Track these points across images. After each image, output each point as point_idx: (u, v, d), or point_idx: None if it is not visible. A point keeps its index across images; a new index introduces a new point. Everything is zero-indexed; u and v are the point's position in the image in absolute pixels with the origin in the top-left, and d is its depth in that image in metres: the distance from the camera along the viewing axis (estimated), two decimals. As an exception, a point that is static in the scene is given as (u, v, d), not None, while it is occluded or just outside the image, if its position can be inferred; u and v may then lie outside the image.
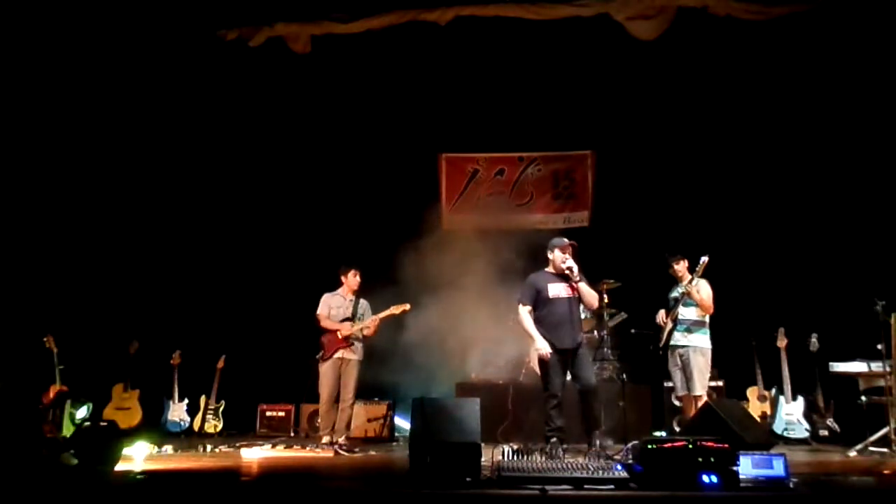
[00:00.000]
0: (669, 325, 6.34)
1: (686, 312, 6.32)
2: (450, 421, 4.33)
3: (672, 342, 6.35)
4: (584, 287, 5.60)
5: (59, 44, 7.41)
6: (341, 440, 6.40)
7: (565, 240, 5.69)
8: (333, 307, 6.65)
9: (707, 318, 6.33)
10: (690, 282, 6.22)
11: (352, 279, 6.69)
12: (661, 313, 6.50)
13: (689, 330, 6.30)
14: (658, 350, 6.45)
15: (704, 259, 6.10)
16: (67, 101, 7.65)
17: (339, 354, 6.48)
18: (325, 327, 6.55)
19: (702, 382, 6.19)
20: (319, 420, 6.57)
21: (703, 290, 6.27)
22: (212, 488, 4.31)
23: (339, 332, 6.49)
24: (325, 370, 6.50)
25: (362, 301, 6.71)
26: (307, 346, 6.72)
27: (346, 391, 6.48)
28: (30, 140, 7.49)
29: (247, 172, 8.69)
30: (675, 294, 6.46)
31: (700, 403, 5.94)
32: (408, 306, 6.61)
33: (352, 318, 6.57)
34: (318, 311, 6.64)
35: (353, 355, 6.54)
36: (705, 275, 6.22)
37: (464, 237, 8.42)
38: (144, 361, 8.17)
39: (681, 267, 6.46)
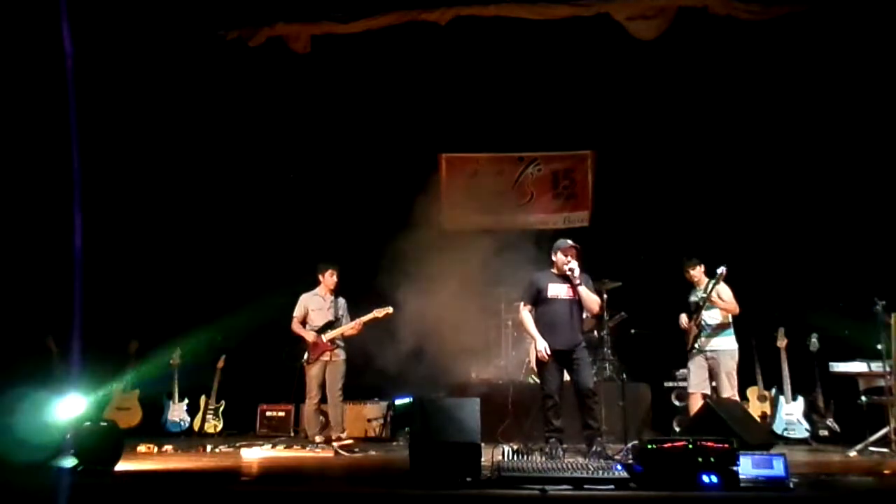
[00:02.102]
0: (695, 330, 6.38)
1: (709, 316, 6.37)
2: (450, 421, 4.33)
3: (699, 346, 6.38)
4: (584, 291, 5.59)
5: (59, 44, 7.40)
6: (343, 435, 6.46)
7: (569, 242, 5.69)
8: (314, 309, 6.68)
9: (730, 319, 6.38)
10: (710, 290, 6.23)
11: (328, 279, 6.72)
12: (683, 317, 6.53)
13: (715, 334, 6.34)
14: (688, 352, 6.48)
15: (722, 270, 6.12)
16: (68, 100, 7.64)
17: (324, 357, 6.54)
18: (295, 332, 6.61)
19: (732, 384, 6.25)
20: (306, 423, 6.60)
21: (723, 293, 6.31)
22: (212, 488, 4.31)
23: (322, 336, 6.54)
24: (312, 372, 6.56)
25: (340, 300, 6.74)
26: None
27: (333, 390, 6.54)
28: (30, 140, 7.48)
29: (247, 173, 8.69)
30: (695, 298, 6.49)
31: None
32: (390, 310, 6.63)
33: (334, 321, 6.59)
34: (294, 314, 6.69)
35: (337, 357, 6.59)
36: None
37: (464, 237, 8.42)
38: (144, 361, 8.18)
39: (697, 272, 6.53)
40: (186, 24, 7.77)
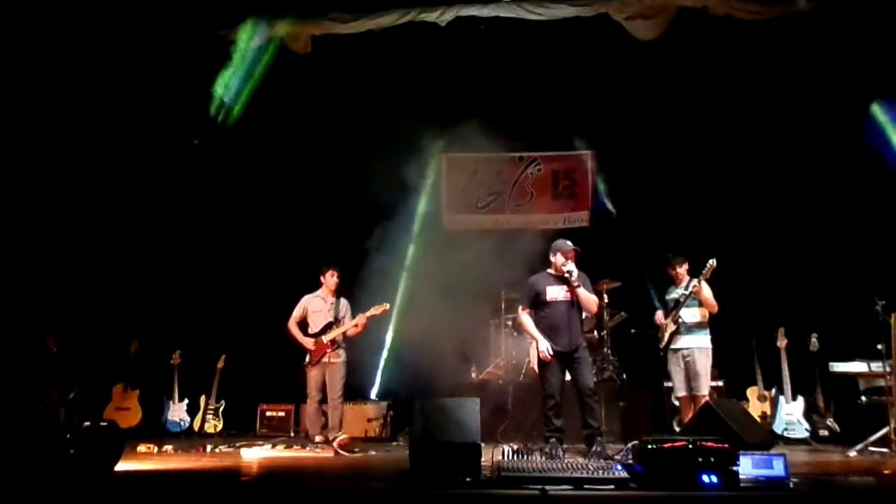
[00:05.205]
0: (672, 327, 6.35)
1: (688, 314, 6.34)
2: (450, 421, 4.33)
3: (674, 345, 6.37)
4: (582, 292, 5.61)
5: (60, 44, 7.40)
6: (339, 437, 6.43)
7: (569, 244, 5.69)
8: (314, 310, 6.69)
9: (708, 318, 6.35)
10: (698, 281, 6.16)
11: (329, 279, 6.75)
12: (660, 314, 6.52)
13: (692, 331, 6.31)
14: (659, 352, 6.47)
15: (712, 262, 6.05)
16: (68, 101, 7.65)
17: (325, 359, 6.56)
18: (289, 332, 6.62)
19: (706, 382, 6.24)
20: (308, 422, 6.62)
21: (705, 290, 6.27)
22: (212, 488, 4.31)
23: (323, 337, 6.55)
24: (312, 374, 6.60)
25: (342, 301, 6.76)
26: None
27: (333, 391, 6.57)
28: (31, 139, 7.48)
29: (247, 173, 8.68)
30: (674, 295, 6.47)
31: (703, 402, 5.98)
32: (387, 306, 6.66)
33: (335, 322, 6.59)
34: (293, 313, 6.71)
35: (338, 358, 6.61)
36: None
37: (464, 237, 8.41)
38: (144, 361, 8.18)
39: (682, 270, 6.49)
40: (186, 24, 7.77)
